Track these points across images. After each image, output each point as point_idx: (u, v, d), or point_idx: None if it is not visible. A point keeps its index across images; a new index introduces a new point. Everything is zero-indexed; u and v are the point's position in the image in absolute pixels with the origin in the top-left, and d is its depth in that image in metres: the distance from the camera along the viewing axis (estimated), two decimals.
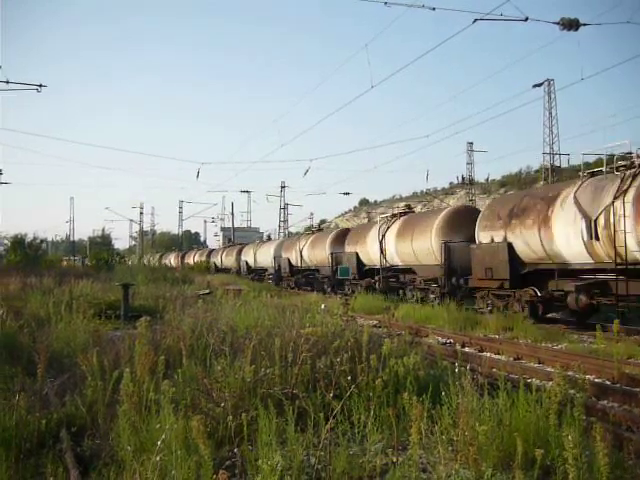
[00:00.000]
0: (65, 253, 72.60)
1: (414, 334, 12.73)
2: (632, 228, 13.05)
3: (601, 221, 13.86)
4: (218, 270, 55.44)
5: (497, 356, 11.52)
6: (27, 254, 46.83)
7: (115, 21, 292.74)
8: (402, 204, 30.61)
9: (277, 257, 41.55)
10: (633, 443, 4.97)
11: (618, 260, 13.42)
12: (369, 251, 27.19)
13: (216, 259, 59.23)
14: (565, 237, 14.95)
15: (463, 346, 12.57)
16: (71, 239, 76.34)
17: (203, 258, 62.38)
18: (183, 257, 69.82)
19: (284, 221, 68.40)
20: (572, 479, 3.42)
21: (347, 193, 59.32)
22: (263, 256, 45.29)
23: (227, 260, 55.58)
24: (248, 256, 49.27)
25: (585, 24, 15.48)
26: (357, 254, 28.34)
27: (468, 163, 63.36)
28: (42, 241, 53.47)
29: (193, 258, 65.71)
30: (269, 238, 60.80)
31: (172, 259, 72.08)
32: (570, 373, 6.78)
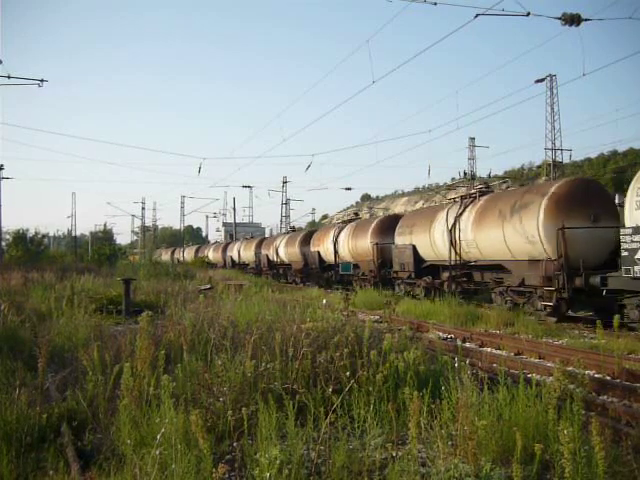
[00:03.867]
0: (67, 248, 72.51)
1: (415, 329, 12.75)
2: None
3: None
4: (235, 265, 51.82)
5: (498, 351, 11.52)
6: (29, 249, 46.95)
7: (117, 16, 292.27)
8: (455, 193, 26.01)
9: (305, 251, 36.04)
10: (632, 438, 4.97)
11: None
12: (432, 242, 21.50)
13: (232, 253, 53.93)
14: None
15: (464, 341, 12.56)
16: (73, 234, 76.31)
17: (219, 253, 58.30)
18: (197, 252, 65.99)
19: (286, 216, 68.36)
20: (568, 473, 3.43)
21: (349, 188, 59.78)
22: (287, 250, 39.20)
23: (245, 254, 50.11)
24: (269, 250, 43.48)
25: (587, 19, 15.42)
26: (414, 246, 22.55)
27: (470, 158, 63.56)
28: (44, 236, 53.54)
29: (207, 253, 61.85)
30: (292, 229, 53.35)
31: (185, 254, 68.79)
32: (570, 368, 6.80)
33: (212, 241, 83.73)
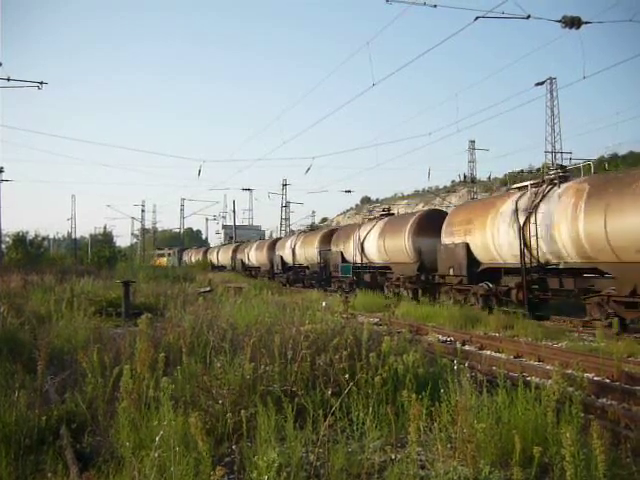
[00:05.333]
0: (67, 251, 72.51)
1: (414, 332, 12.74)
2: None
3: None
4: (287, 269, 39.36)
5: (497, 354, 11.51)
6: (28, 252, 46.93)
7: (116, 17, 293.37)
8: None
9: (421, 245, 22.62)
10: (631, 441, 4.97)
11: None
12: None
13: (284, 252, 39.88)
14: None
15: (463, 344, 12.54)
16: (73, 237, 76.36)
17: (263, 252, 44.84)
18: (235, 252, 54.43)
19: (286, 219, 68.29)
20: (569, 476, 3.42)
21: (349, 191, 59.42)
22: (381, 243, 25.30)
23: (303, 253, 36.30)
24: (344, 245, 29.80)
25: (587, 22, 15.44)
26: None
27: (470, 161, 63.40)
28: (44, 239, 53.53)
29: (248, 252, 49.45)
30: (388, 212, 30.10)
31: (221, 255, 59.70)
32: (569, 371, 6.80)
33: (211, 243, 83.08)
